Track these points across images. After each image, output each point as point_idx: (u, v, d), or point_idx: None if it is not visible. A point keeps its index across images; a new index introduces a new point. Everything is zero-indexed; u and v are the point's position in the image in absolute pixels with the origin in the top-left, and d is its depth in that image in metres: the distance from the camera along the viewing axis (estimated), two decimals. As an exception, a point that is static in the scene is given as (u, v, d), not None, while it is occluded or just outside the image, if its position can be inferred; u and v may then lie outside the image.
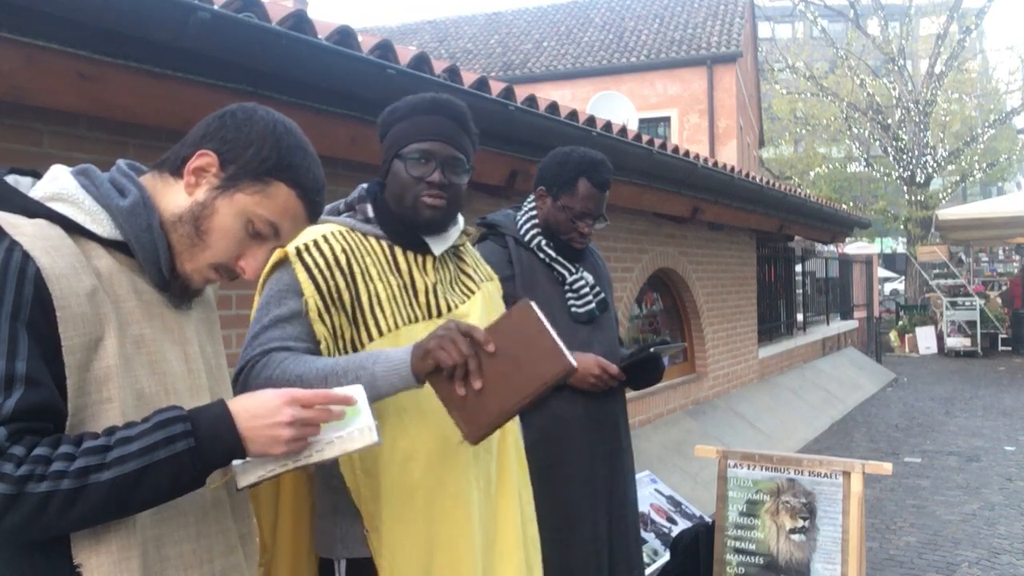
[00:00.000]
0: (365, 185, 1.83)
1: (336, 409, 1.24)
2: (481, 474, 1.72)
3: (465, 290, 1.85)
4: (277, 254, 1.64)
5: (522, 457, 1.92)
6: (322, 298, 1.63)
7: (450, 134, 1.74)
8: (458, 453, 1.65)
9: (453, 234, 1.82)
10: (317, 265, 1.65)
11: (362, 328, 1.66)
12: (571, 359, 1.51)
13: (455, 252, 1.87)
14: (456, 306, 1.79)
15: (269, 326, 1.62)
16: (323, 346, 1.63)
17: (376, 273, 1.70)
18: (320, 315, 1.63)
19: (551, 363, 1.50)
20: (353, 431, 1.25)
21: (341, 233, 1.72)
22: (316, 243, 1.67)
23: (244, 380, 1.56)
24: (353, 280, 1.67)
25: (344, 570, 1.68)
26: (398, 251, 1.75)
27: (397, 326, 1.68)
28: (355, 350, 1.65)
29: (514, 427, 1.87)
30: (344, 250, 1.68)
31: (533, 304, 1.53)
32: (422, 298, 1.74)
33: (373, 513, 1.62)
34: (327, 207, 1.79)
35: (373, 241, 1.74)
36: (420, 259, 1.77)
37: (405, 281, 1.73)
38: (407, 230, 1.76)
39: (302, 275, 1.63)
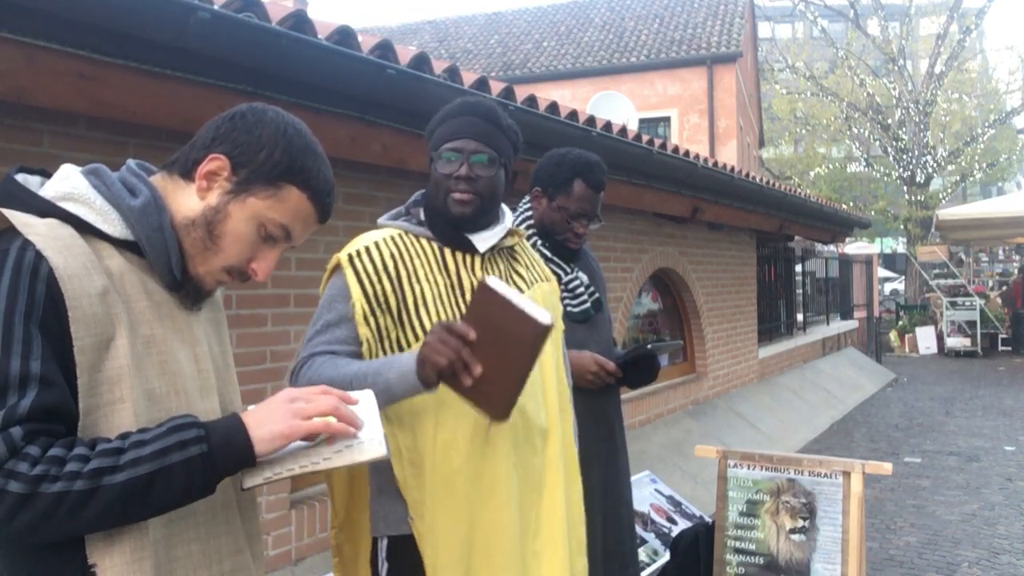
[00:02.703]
0: (420, 192, 1.93)
1: (344, 411, 1.21)
2: (520, 463, 1.77)
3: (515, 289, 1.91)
4: (334, 260, 1.80)
5: (573, 459, 1.98)
6: (368, 302, 1.75)
7: (477, 130, 1.81)
8: (496, 442, 1.73)
9: (499, 232, 1.87)
10: (366, 271, 1.77)
11: (407, 328, 1.76)
12: (540, 317, 1.54)
13: (510, 252, 1.95)
14: None
15: (321, 330, 1.76)
16: (365, 347, 1.74)
17: (423, 274, 1.80)
18: (365, 318, 1.75)
19: (525, 327, 1.55)
20: (363, 441, 1.23)
21: (393, 238, 1.83)
22: (368, 249, 1.79)
23: (294, 380, 1.71)
24: (400, 284, 1.78)
25: (385, 548, 1.77)
26: (447, 252, 1.84)
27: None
28: (401, 349, 1.76)
29: (559, 429, 1.89)
30: (392, 255, 1.80)
31: (490, 280, 1.57)
32: (469, 296, 1.81)
33: (418, 500, 1.72)
34: (391, 212, 1.93)
35: (424, 243, 1.84)
36: (468, 259, 1.85)
37: (452, 281, 1.82)
38: (452, 230, 1.84)
39: (351, 280, 1.76)
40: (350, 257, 1.78)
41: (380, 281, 1.76)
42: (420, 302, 1.77)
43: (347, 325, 1.75)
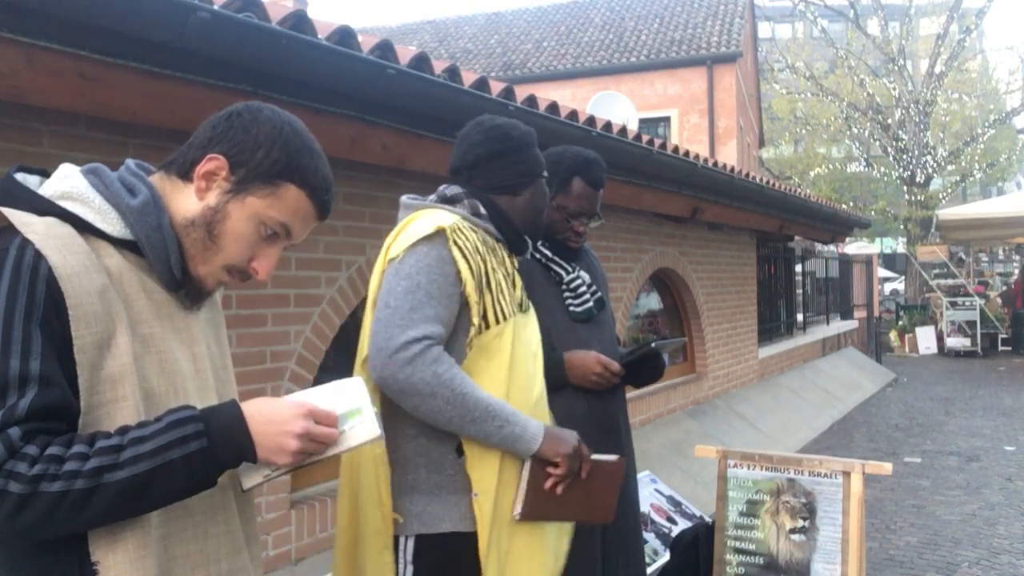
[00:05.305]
0: (455, 187, 1.94)
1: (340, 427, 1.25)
2: None
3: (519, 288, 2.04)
4: (432, 228, 1.77)
5: None
6: (474, 278, 1.79)
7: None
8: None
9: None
10: (467, 247, 1.79)
11: (490, 311, 1.80)
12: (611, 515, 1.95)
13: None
14: (529, 304, 2.01)
15: (426, 302, 1.72)
16: (474, 329, 1.78)
17: (495, 263, 1.86)
18: (472, 294, 1.78)
19: (603, 513, 1.93)
20: (356, 424, 1.24)
21: (465, 224, 1.86)
22: (460, 228, 1.81)
23: (417, 355, 1.66)
24: (487, 266, 1.82)
25: (412, 546, 1.76)
26: (501, 248, 1.93)
27: (513, 313, 1.86)
28: (480, 331, 1.81)
29: None
30: (477, 237, 1.85)
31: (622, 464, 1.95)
32: (517, 293, 1.94)
33: (484, 476, 1.75)
34: (430, 197, 1.95)
35: (483, 234, 1.89)
36: (512, 260, 1.97)
37: (510, 273, 1.93)
38: (518, 232, 1.95)
39: (456, 253, 1.77)
40: (451, 230, 1.78)
41: (478, 260, 1.80)
42: (499, 288, 1.84)
43: (451, 301, 1.75)
